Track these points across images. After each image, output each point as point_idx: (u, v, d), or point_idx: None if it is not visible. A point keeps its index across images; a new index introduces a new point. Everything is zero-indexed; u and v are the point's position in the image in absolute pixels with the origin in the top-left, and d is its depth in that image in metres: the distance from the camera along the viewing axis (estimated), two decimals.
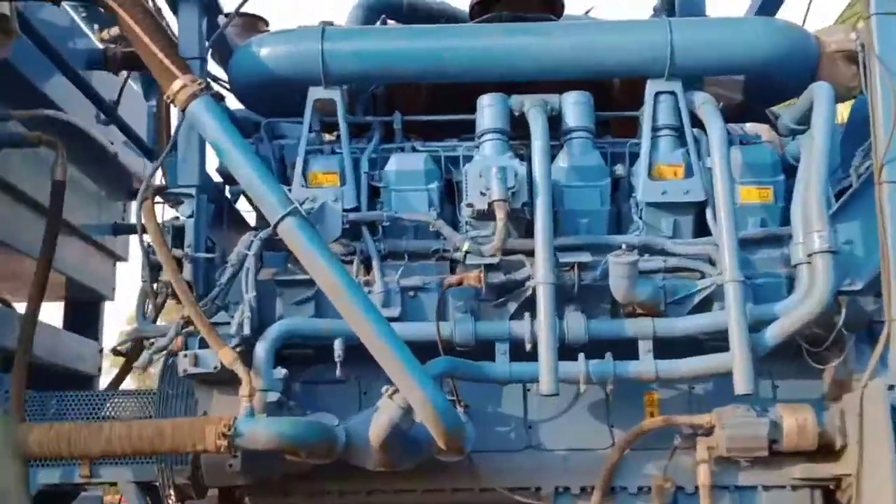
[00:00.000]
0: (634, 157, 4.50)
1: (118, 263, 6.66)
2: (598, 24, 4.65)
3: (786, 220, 4.30)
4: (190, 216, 4.22)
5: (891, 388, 3.76)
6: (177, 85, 3.87)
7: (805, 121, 4.39)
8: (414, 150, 4.58)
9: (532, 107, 4.38)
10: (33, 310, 4.47)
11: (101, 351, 6.47)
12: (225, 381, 4.02)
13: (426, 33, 4.77)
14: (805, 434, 4.09)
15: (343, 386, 4.34)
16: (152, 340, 4.09)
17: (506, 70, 4.55)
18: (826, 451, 4.14)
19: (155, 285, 4.19)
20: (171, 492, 4.36)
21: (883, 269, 3.96)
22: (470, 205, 4.15)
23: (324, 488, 4.30)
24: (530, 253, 4.16)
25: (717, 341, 4.16)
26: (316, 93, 4.44)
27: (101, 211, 6.14)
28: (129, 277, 6.04)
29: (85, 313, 6.47)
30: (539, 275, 4.04)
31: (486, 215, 4.17)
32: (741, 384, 3.91)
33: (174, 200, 4.26)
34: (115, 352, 4.28)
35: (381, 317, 3.76)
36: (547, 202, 4.12)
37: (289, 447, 3.74)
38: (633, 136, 4.63)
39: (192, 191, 4.27)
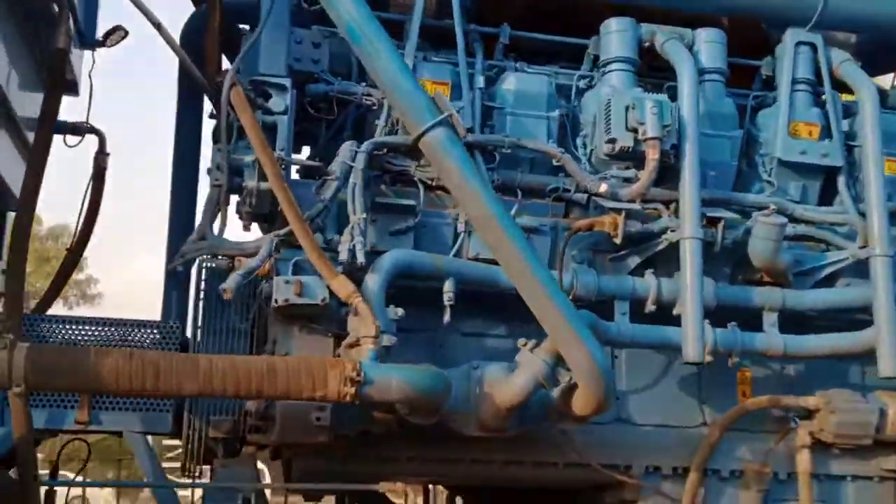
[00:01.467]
0: (753, 111, 4.48)
1: None
2: None
3: None
4: (283, 112, 3.73)
5: None
6: None
7: None
8: (517, 70, 4.30)
9: (669, 38, 4.21)
10: (30, 203, 3.74)
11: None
12: (313, 317, 3.64)
13: None
14: None
15: (415, 336, 4.02)
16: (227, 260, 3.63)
17: None
18: None
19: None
20: (200, 448, 3.91)
21: None
22: (612, 140, 3.92)
23: (391, 454, 4.00)
24: (666, 203, 4.05)
25: (829, 320, 4.24)
26: None
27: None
28: None
29: None
30: (687, 228, 3.90)
31: (625, 155, 3.96)
32: (888, 365, 3.97)
33: (259, 93, 3.74)
34: (172, 272, 3.70)
35: (538, 257, 3.50)
36: (696, 146, 3.97)
37: (417, 400, 3.42)
38: (746, 87, 4.59)
39: (286, 82, 3.78)
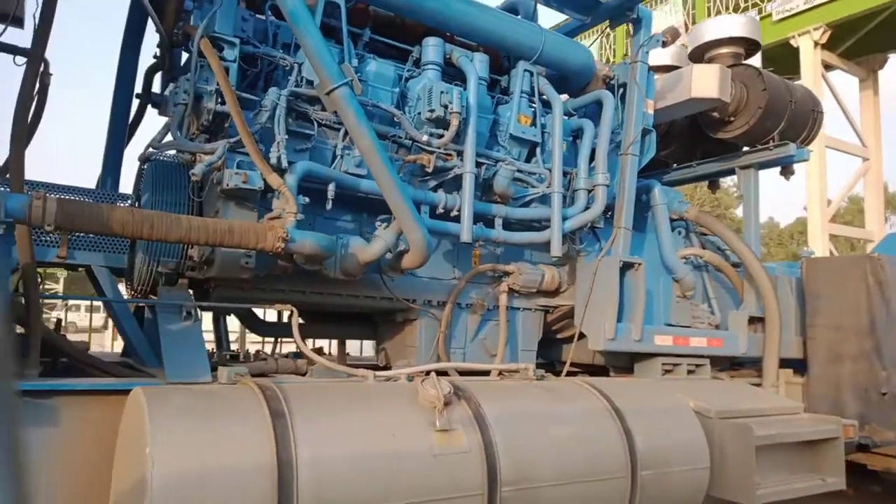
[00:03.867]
0: (496, 105, 4.66)
1: None
2: (507, 17, 4.50)
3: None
4: (233, 61, 3.36)
5: (621, 262, 4.63)
6: None
7: (578, 108, 5.04)
8: (373, 59, 4.17)
9: (461, 55, 4.32)
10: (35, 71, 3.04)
11: None
12: (248, 198, 3.42)
13: None
14: (553, 281, 4.84)
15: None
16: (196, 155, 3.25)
17: (441, 22, 4.23)
18: (553, 292, 4.90)
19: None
20: (149, 279, 3.55)
21: (618, 196, 4.85)
22: (432, 110, 4.00)
23: (281, 287, 3.89)
24: (457, 152, 4.17)
25: (525, 226, 4.64)
26: None
27: None
28: None
29: None
30: (468, 167, 4.11)
31: (438, 120, 4.04)
32: (556, 249, 4.49)
33: (216, 45, 3.32)
34: (144, 159, 3.19)
35: (396, 172, 3.53)
36: (475, 121, 4.16)
37: (320, 255, 3.37)
38: (492, 91, 4.76)
39: (236, 40, 3.39)
